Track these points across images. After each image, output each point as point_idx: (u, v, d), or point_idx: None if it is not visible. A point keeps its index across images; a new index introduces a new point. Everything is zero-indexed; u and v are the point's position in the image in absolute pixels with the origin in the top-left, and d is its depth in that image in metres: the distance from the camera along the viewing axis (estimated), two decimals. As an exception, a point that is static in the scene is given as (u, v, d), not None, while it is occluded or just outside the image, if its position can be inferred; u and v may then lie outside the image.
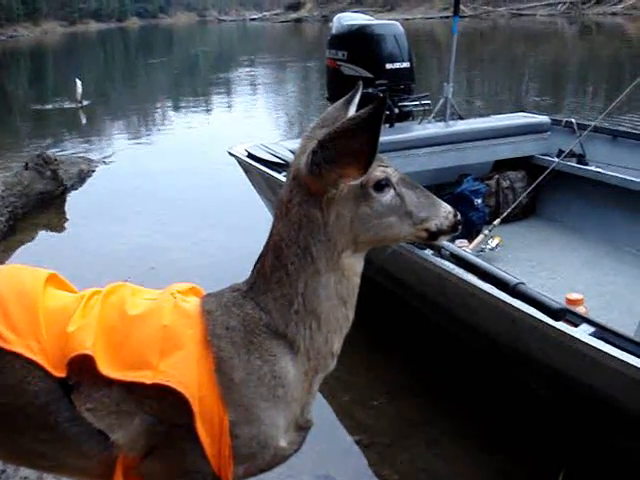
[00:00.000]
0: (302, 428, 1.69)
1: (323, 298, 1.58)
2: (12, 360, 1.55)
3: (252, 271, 1.65)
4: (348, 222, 1.55)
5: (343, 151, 1.44)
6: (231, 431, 1.52)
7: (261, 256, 1.63)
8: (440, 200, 1.64)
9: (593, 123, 5.46)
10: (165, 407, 1.53)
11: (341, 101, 1.75)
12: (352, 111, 1.72)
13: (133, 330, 1.58)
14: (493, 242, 4.72)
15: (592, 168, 5.23)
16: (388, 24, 5.73)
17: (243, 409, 1.54)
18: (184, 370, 1.51)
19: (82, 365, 1.53)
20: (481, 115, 9.93)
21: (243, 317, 1.58)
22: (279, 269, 1.57)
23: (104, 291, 1.69)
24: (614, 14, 42.81)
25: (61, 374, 1.54)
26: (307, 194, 1.53)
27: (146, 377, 1.50)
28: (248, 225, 6.12)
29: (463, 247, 3.98)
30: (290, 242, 1.56)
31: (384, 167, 1.56)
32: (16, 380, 1.54)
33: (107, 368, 1.52)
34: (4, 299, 1.61)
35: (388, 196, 1.56)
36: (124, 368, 1.52)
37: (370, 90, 5.39)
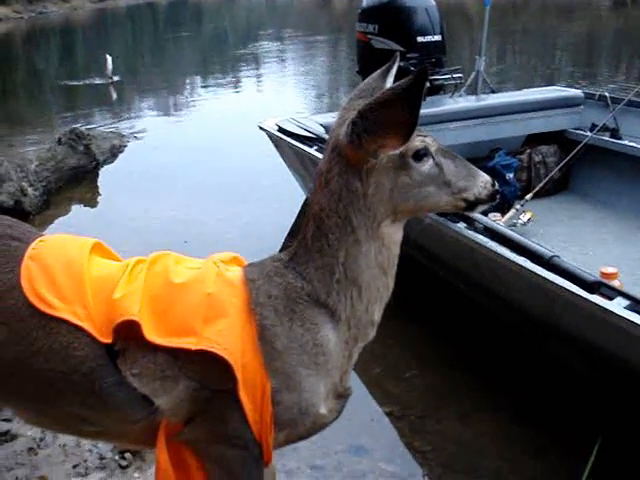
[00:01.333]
0: (341, 396, 1.71)
1: (364, 267, 1.60)
2: (59, 326, 1.58)
3: (292, 241, 1.67)
4: (387, 192, 1.56)
5: (384, 121, 1.45)
6: (273, 398, 1.55)
7: (302, 226, 1.64)
8: (478, 170, 1.65)
9: (627, 97, 5.38)
10: (208, 373, 1.56)
11: (378, 72, 1.76)
12: (389, 82, 1.73)
13: (177, 298, 1.61)
14: (525, 217, 4.69)
15: (626, 142, 5.17)
16: None
17: (285, 376, 1.57)
18: (228, 337, 1.54)
19: (128, 331, 1.56)
20: (514, 88, 9.85)
21: (285, 286, 1.61)
22: (320, 239, 1.59)
23: (149, 259, 1.72)
24: (650, -13, 41.79)
25: (107, 340, 1.57)
26: (346, 165, 1.54)
27: (191, 343, 1.53)
28: (278, 199, 6.15)
29: (496, 220, 3.98)
30: (330, 212, 1.57)
31: (423, 137, 1.57)
32: (63, 346, 1.58)
33: (152, 334, 1.55)
34: (51, 267, 1.64)
35: (427, 165, 1.57)
36: (169, 334, 1.56)
37: (401, 64, 5.35)
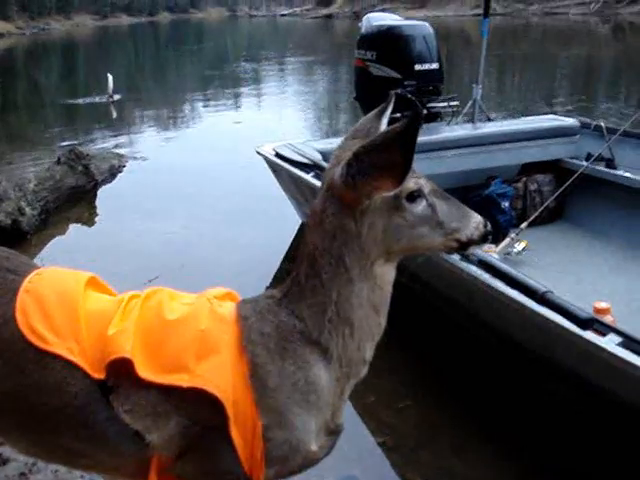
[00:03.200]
0: (333, 432, 1.72)
1: (356, 306, 1.61)
2: (53, 361, 1.59)
3: (289, 265, 1.69)
4: (381, 232, 1.57)
5: (378, 164, 1.46)
6: (264, 435, 1.56)
7: (295, 263, 1.66)
8: (471, 210, 1.67)
9: (622, 127, 5.42)
10: (200, 410, 1.57)
11: (374, 112, 1.78)
12: (384, 123, 1.74)
13: (170, 334, 1.62)
14: (520, 246, 4.71)
15: (621, 173, 5.20)
16: (417, 24, 5.73)
17: (276, 414, 1.58)
18: (220, 374, 1.55)
19: (121, 367, 1.57)
20: (511, 116, 9.91)
21: (277, 324, 1.62)
22: (313, 277, 1.60)
23: (143, 295, 1.73)
24: (648, 13, 42.17)
25: (100, 376, 1.58)
26: (341, 205, 1.56)
27: (183, 380, 1.55)
28: (275, 223, 6.17)
29: (490, 251, 4.00)
30: (324, 252, 1.59)
31: (416, 178, 1.58)
32: (56, 380, 1.59)
33: (145, 371, 1.56)
34: (46, 301, 1.65)
35: (420, 207, 1.58)
36: (162, 371, 1.57)
37: (399, 91, 5.41)
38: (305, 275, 1.62)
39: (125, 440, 1.59)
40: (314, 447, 1.66)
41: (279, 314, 1.63)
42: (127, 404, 1.57)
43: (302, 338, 1.61)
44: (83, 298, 1.69)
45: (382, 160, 1.45)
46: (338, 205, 1.56)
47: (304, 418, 1.62)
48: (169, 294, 1.76)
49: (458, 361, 3.83)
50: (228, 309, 1.69)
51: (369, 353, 1.69)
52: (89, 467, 1.79)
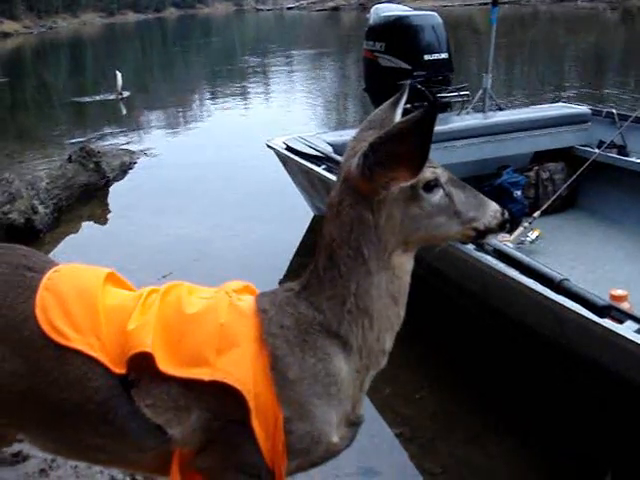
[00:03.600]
0: (353, 424, 1.73)
1: (375, 297, 1.61)
2: (73, 357, 1.60)
3: (304, 271, 1.68)
4: (398, 223, 1.57)
5: (395, 154, 1.46)
6: (285, 427, 1.57)
7: (314, 256, 1.66)
8: (488, 199, 1.66)
9: (634, 114, 5.39)
10: (222, 403, 1.58)
11: (388, 103, 1.77)
12: (399, 113, 1.74)
13: (190, 328, 1.63)
14: (533, 234, 4.69)
15: (633, 159, 5.18)
16: (426, 15, 5.72)
17: (297, 406, 1.59)
18: (241, 367, 1.56)
19: (141, 362, 1.58)
20: (521, 104, 9.86)
21: (297, 316, 1.62)
22: (332, 269, 1.60)
23: (162, 290, 1.74)
24: (658, -1, 41.80)
25: (121, 370, 1.59)
26: (358, 196, 1.56)
27: (204, 374, 1.55)
28: (287, 217, 6.18)
29: (504, 240, 3.98)
30: (342, 243, 1.58)
31: (433, 168, 1.58)
32: (77, 376, 1.60)
33: (166, 365, 1.57)
34: (65, 298, 1.66)
35: (437, 196, 1.58)
36: (182, 365, 1.57)
37: (409, 81, 5.40)
38: (323, 267, 1.62)
39: (146, 434, 1.60)
40: (335, 439, 1.66)
41: (298, 306, 1.64)
42: (148, 399, 1.58)
43: (322, 330, 1.62)
44: (102, 294, 1.70)
45: (399, 150, 1.45)
46: (355, 196, 1.56)
47: (325, 410, 1.62)
48: (188, 288, 1.76)
49: (474, 351, 3.82)
50: (247, 302, 1.69)
51: (389, 344, 1.69)
52: (110, 462, 1.81)
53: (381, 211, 1.56)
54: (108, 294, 1.73)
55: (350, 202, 1.57)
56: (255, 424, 1.54)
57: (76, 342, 1.61)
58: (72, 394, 1.60)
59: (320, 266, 1.63)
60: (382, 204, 1.56)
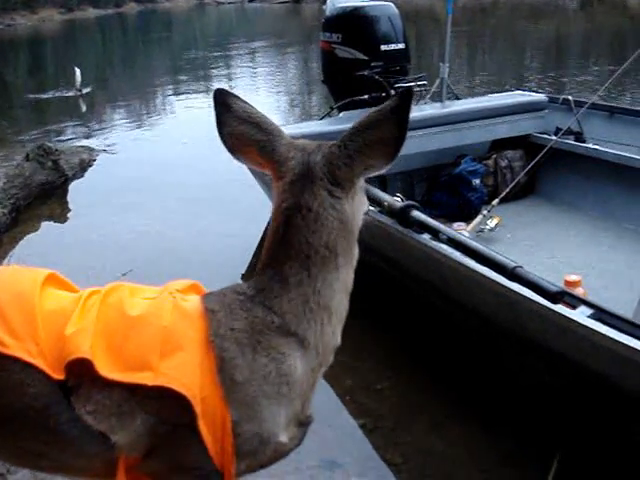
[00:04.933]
0: (303, 424, 1.71)
1: (336, 291, 1.62)
2: (11, 364, 1.56)
3: (258, 273, 1.64)
4: (362, 212, 1.64)
5: (372, 142, 1.51)
6: (233, 429, 1.54)
7: (274, 261, 1.62)
8: None
9: (590, 100, 5.44)
10: (167, 408, 1.54)
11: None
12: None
13: (133, 331, 1.59)
14: (492, 222, 4.71)
15: (590, 145, 5.23)
16: (382, 5, 5.70)
17: (246, 408, 1.56)
18: (185, 371, 1.52)
19: (81, 368, 1.54)
20: (481, 93, 9.92)
21: (251, 320, 1.59)
22: (301, 273, 1.59)
23: (102, 291, 1.70)
24: (615, -14, 42.27)
25: (60, 376, 1.55)
26: (335, 194, 1.57)
27: (147, 379, 1.52)
28: (248, 214, 6.12)
29: (461, 230, 4.00)
30: (319, 247, 1.58)
31: None
32: (16, 383, 1.56)
33: (107, 370, 1.53)
34: (2, 304, 1.62)
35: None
36: (125, 369, 1.54)
37: (366, 72, 5.40)
38: (293, 273, 1.59)
39: (89, 441, 1.56)
40: (284, 439, 1.64)
41: (253, 310, 1.60)
42: (89, 405, 1.54)
43: (278, 331, 1.59)
44: (40, 297, 1.65)
45: (376, 137, 1.50)
46: (332, 195, 1.57)
47: (274, 410, 1.59)
48: (130, 289, 1.72)
49: (433, 340, 3.85)
50: (192, 303, 1.65)
51: (339, 338, 1.69)
52: (54, 469, 1.75)
53: (354, 203, 1.59)
54: (47, 297, 1.68)
55: (330, 202, 1.56)
56: (202, 428, 1.51)
57: (13, 348, 1.56)
58: (11, 401, 1.56)
59: (288, 272, 1.59)
60: (354, 197, 1.59)
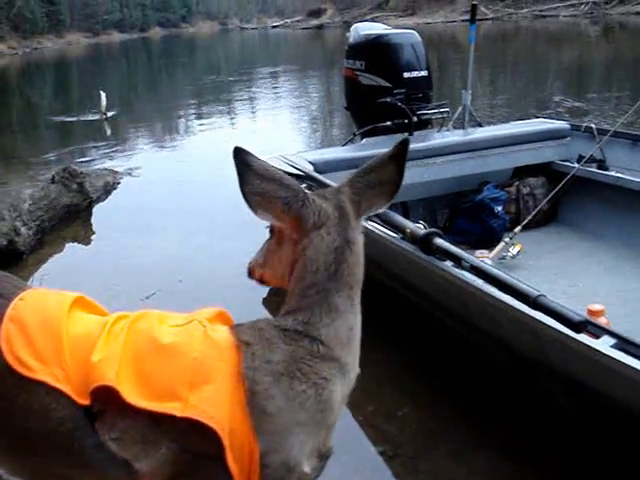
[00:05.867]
0: (323, 456, 1.70)
1: (359, 317, 1.72)
2: (38, 387, 1.58)
3: (297, 305, 1.68)
4: None
5: (374, 183, 1.70)
6: (261, 459, 1.54)
7: (322, 294, 1.66)
8: None
9: (613, 128, 5.45)
10: (194, 439, 1.54)
11: None
12: None
13: (162, 360, 1.60)
14: (514, 249, 4.71)
15: (613, 173, 5.23)
16: (405, 33, 5.77)
17: (276, 437, 1.56)
18: (215, 404, 1.53)
19: (107, 394, 1.55)
20: (503, 120, 9.93)
21: (294, 350, 1.61)
22: (347, 301, 1.67)
23: (131, 318, 1.72)
24: (638, 13, 42.32)
25: (85, 402, 1.56)
26: (359, 227, 1.73)
27: (176, 409, 1.52)
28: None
29: (483, 258, 4.01)
30: (359, 276, 1.70)
31: None
32: (41, 407, 1.58)
33: (134, 397, 1.54)
34: (29, 326, 1.64)
35: None
36: (152, 398, 1.55)
37: (389, 99, 5.45)
38: (340, 302, 1.66)
39: (113, 466, 1.57)
40: (307, 469, 1.64)
41: (298, 342, 1.62)
42: (114, 432, 1.55)
43: (322, 358, 1.62)
44: (67, 322, 1.68)
45: (378, 179, 1.69)
46: (358, 229, 1.72)
47: (303, 439, 1.59)
48: (158, 317, 1.74)
49: (456, 368, 3.83)
50: (223, 334, 1.67)
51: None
52: None
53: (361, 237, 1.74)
54: (74, 321, 1.70)
55: (360, 236, 1.72)
56: (229, 459, 1.51)
57: (40, 373, 1.59)
58: (37, 423, 1.58)
59: (337, 301, 1.65)
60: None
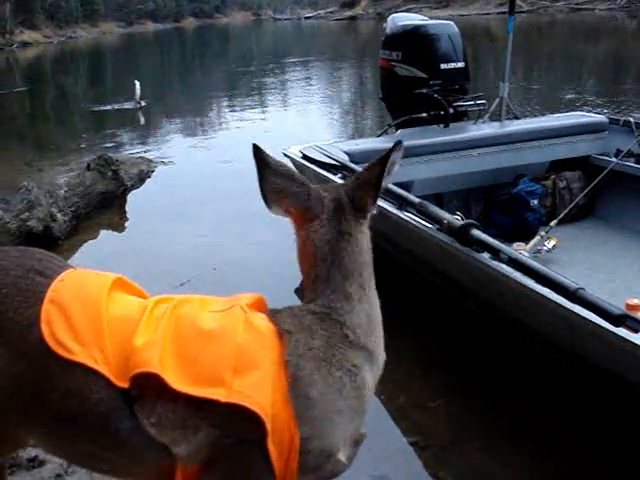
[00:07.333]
0: (356, 442, 1.73)
1: (378, 306, 1.78)
2: (76, 369, 1.60)
3: (324, 293, 1.73)
4: None
5: (364, 181, 1.74)
6: (302, 446, 1.56)
7: (332, 283, 1.71)
8: None
9: (652, 122, 5.36)
10: (236, 424, 1.56)
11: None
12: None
13: (206, 345, 1.61)
14: (549, 244, 4.67)
15: None
16: (442, 24, 5.72)
17: (317, 424, 1.59)
18: (259, 390, 1.54)
19: (147, 379, 1.57)
20: (539, 114, 9.83)
21: (329, 336, 1.66)
22: (360, 289, 1.71)
23: (173, 303, 1.73)
24: (676, 7, 41.57)
25: (124, 384, 1.58)
26: (359, 219, 1.76)
27: (220, 395, 1.53)
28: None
29: (520, 250, 3.97)
30: (365, 265, 1.73)
31: None
32: (79, 387, 1.59)
33: (178, 383, 1.55)
34: (68, 308, 1.66)
35: None
36: (195, 383, 1.56)
37: (425, 91, 5.42)
38: (353, 289, 1.71)
39: (149, 449, 1.59)
40: (343, 457, 1.67)
41: (331, 327, 1.67)
42: (153, 417, 1.57)
43: (352, 345, 1.67)
44: (107, 304, 1.69)
45: (367, 178, 1.73)
46: (356, 220, 1.76)
47: (343, 426, 1.63)
48: (200, 302, 1.76)
49: (490, 360, 3.81)
50: (265, 321, 1.69)
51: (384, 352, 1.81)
52: (112, 472, 1.79)
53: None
54: (114, 302, 1.72)
55: (360, 228, 1.77)
56: (270, 445, 1.53)
57: (79, 355, 1.60)
58: (74, 404, 1.60)
59: (349, 289, 1.70)
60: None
